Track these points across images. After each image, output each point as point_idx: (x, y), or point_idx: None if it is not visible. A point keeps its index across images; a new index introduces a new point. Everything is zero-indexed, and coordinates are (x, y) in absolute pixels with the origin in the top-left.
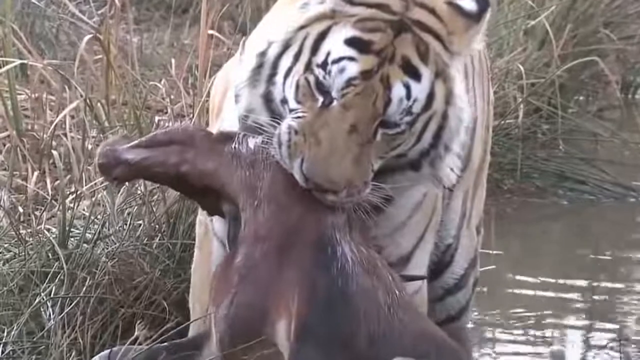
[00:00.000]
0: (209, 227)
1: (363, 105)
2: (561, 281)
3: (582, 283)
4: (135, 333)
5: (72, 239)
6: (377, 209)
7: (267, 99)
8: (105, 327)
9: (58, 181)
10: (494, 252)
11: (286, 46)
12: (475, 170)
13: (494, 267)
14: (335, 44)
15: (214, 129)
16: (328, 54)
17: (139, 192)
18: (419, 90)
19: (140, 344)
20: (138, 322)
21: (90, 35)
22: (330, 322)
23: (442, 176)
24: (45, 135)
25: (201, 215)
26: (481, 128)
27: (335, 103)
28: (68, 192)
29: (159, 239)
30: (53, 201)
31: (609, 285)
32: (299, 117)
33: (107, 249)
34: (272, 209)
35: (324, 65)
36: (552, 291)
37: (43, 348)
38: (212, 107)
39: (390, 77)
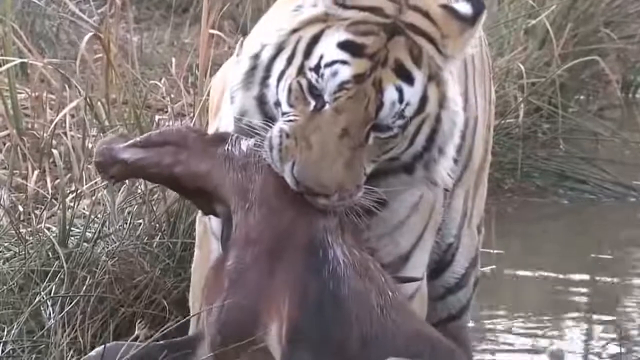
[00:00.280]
0: (208, 226)
1: (355, 109)
2: (562, 280)
3: (583, 282)
4: (136, 332)
5: (72, 237)
6: (370, 211)
7: (261, 101)
8: (106, 326)
9: (58, 180)
10: (495, 251)
11: (279, 49)
12: (477, 170)
13: (494, 266)
14: (328, 48)
15: (212, 128)
16: (321, 57)
17: (139, 191)
18: (412, 93)
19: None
20: (138, 321)
21: (91, 34)
22: (321, 325)
23: (436, 179)
24: (45, 134)
25: (201, 214)
26: (482, 127)
27: (327, 107)
28: (68, 191)
29: (159, 238)
30: (53, 200)
31: (610, 284)
32: (290, 121)
33: (108, 248)
34: (264, 212)
35: (316, 68)
36: (552, 290)
37: (43, 347)
38: (210, 106)
39: (382, 80)
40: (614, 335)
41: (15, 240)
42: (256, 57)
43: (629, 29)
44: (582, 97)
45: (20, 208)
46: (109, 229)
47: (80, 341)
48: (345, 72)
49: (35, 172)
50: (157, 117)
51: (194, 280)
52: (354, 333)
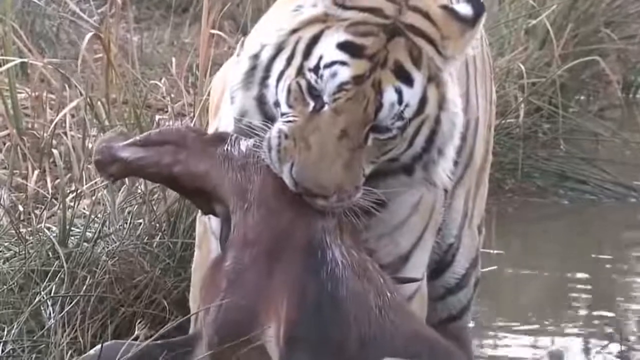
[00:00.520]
0: (208, 226)
1: (354, 110)
2: (562, 280)
3: (583, 282)
4: (136, 332)
5: (72, 237)
6: (369, 212)
7: (261, 101)
8: (106, 326)
9: (58, 180)
10: (495, 251)
11: (279, 49)
12: (477, 170)
13: (495, 267)
14: (328, 48)
15: (212, 127)
16: (320, 58)
17: (139, 191)
18: (411, 95)
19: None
20: (138, 321)
21: (91, 34)
22: (319, 326)
23: (435, 180)
24: (45, 134)
25: (201, 214)
26: (483, 128)
27: (326, 108)
28: (68, 191)
29: (160, 238)
30: (53, 200)
31: (610, 284)
32: (289, 122)
33: (108, 247)
34: (262, 212)
35: (315, 69)
36: (552, 290)
37: (43, 347)
38: (210, 106)
39: (382, 81)
40: (614, 335)
41: (16, 240)
42: (256, 57)
43: (630, 29)
44: (582, 97)
45: (21, 208)
46: (109, 228)
47: (80, 341)
48: (344, 73)
49: (36, 172)
50: (157, 117)
51: (194, 280)
52: (352, 334)
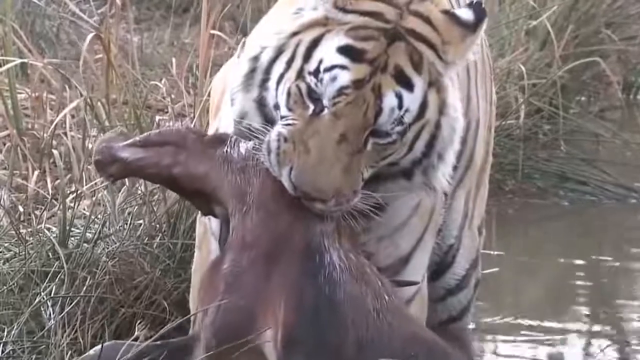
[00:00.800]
0: (208, 227)
1: (354, 114)
2: (562, 282)
3: (583, 284)
4: (136, 333)
5: (72, 238)
6: (368, 216)
7: (260, 103)
8: (106, 327)
9: (58, 180)
10: (495, 252)
11: (279, 52)
12: (478, 171)
13: (497, 269)
14: (328, 52)
15: (212, 128)
16: (320, 61)
17: (139, 191)
18: (411, 100)
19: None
20: (138, 321)
21: (92, 35)
22: (317, 330)
23: (435, 185)
24: (45, 135)
25: (201, 215)
26: (483, 129)
27: (326, 111)
28: (68, 192)
29: (160, 239)
30: (53, 200)
31: (610, 286)
32: (289, 125)
33: (108, 248)
34: (261, 215)
35: (315, 73)
36: (553, 291)
37: (43, 347)
38: (211, 107)
39: (382, 86)
40: (615, 337)
41: (16, 240)
42: (256, 59)
43: (630, 30)
44: (583, 98)
45: (21, 208)
46: (109, 229)
47: (80, 342)
48: (344, 77)
49: (36, 173)
50: (157, 118)
51: (194, 281)
52: (349, 337)
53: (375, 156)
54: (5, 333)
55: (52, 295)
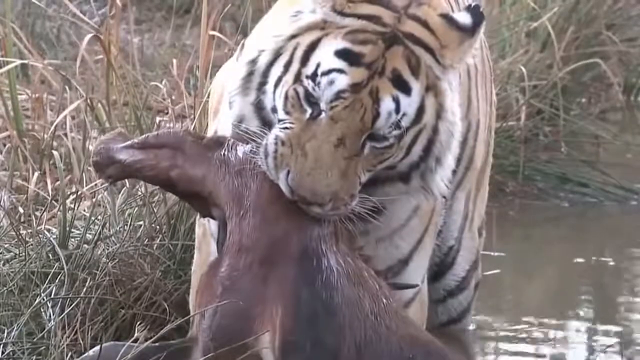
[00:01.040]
0: (207, 228)
1: (351, 118)
2: (563, 283)
3: (584, 286)
4: (136, 334)
5: (72, 239)
6: (366, 219)
7: (258, 107)
8: (106, 328)
9: (58, 182)
10: (496, 254)
11: (277, 55)
12: (478, 172)
13: (497, 270)
14: (325, 56)
15: (211, 128)
16: (318, 65)
17: (139, 193)
18: (409, 104)
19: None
20: (138, 323)
21: (91, 35)
22: (315, 334)
23: (433, 189)
24: (45, 136)
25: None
26: (484, 130)
27: (323, 115)
28: (68, 193)
29: (160, 240)
30: (53, 202)
31: (611, 287)
32: (286, 128)
33: (108, 249)
34: (258, 219)
35: (313, 76)
36: (553, 294)
37: (43, 349)
38: (210, 107)
39: (379, 90)
40: (616, 340)
41: (16, 241)
42: (253, 62)
43: (631, 31)
44: (583, 100)
45: (21, 209)
46: (109, 230)
47: (80, 343)
48: (342, 81)
49: (36, 174)
50: (157, 119)
51: (194, 283)
52: (347, 341)
53: (373, 160)
54: (5, 334)
55: (52, 296)
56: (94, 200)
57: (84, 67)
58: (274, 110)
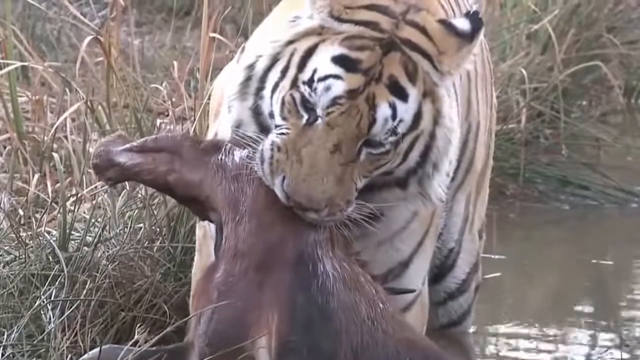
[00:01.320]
0: (207, 231)
1: (347, 124)
2: (564, 286)
3: (585, 288)
4: (136, 336)
5: (72, 241)
6: (363, 225)
7: (256, 112)
8: (106, 331)
9: (59, 184)
10: (497, 256)
11: (274, 60)
12: (478, 175)
13: (498, 273)
14: (322, 62)
15: (212, 130)
16: (314, 71)
17: (139, 195)
18: (405, 110)
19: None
20: (138, 325)
21: (91, 37)
22: (311, 339)
23: (430, 194)
24: (46, 138)
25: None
26: (484, 132)
27: (319, 121)
28: (69, 195)
29: (160, 242)
30: (53, 204)
31: (612, 290)
32: (282, 134)
33: (108, 252)
34: (254, 224)
35: (310, 82)
36: (554, 296)
37: (43, 351)
38: (211, 110)
39: (376, 96)
40: (616, 341)
41: (16, 244)
42: (251, 67)
43: (632, 34)
44: (584, 102)
45: (21, 212)
46: (109, 233)
47: (80, 345)
48: (338, 87)
49: (36, 176)
50: (158, 121)
51: (194, 285)
52: (344, 346)
53: (369, 166)
54: (5, 336)
55: (52, 298)
56: (94, 202)
57: (84, 69)
58: (272, 115)
